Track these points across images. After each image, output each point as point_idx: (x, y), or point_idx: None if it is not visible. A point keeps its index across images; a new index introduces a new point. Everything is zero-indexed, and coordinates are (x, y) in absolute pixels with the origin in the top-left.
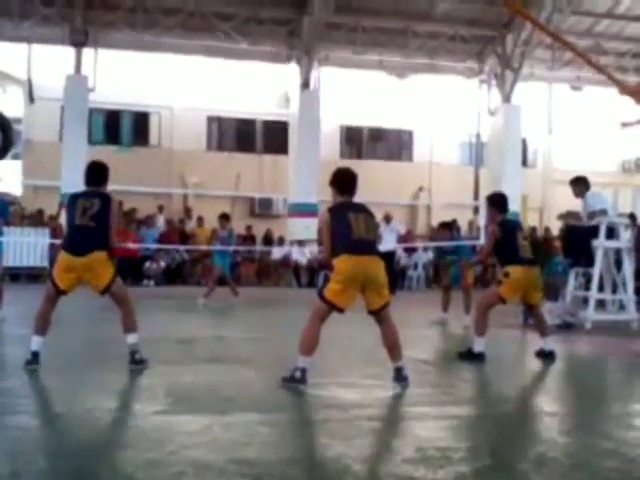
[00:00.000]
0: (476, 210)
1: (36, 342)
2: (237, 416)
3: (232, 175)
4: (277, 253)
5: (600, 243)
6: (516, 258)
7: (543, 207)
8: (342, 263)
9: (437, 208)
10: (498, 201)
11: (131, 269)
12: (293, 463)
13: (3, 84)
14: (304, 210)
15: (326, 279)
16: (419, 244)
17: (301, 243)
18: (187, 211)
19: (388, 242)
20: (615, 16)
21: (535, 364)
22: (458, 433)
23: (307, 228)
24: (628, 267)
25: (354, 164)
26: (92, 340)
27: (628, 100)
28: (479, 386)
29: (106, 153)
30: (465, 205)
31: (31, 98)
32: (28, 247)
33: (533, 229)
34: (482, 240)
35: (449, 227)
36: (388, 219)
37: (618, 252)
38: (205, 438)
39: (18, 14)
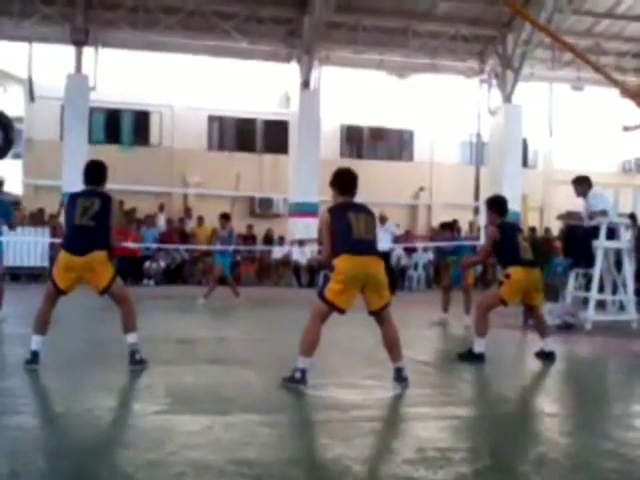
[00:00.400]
0: (476, 210)
1: (36, 341)
2: (237, 416)
3: (232, 175)
4: (277, 253)
5: (600, 244)
6: (517, 259)
7: (543, 207)
8: (342, 263)
9: (437, 208)
10: (497, 204)
11: (131, 269)
12: (293, 464)
13: (4, 83)
14: (304, 210)
15: (326, 279)
16: (419, 244)
17: (301, 243)
18: (187, 210)
19: (383, 243)
20: (615, 16)
21: (535, 365)
22: (458, 434)
23: (307, 228)
24: (628, 268)
25: (354, 164)
26: (92, 340)
27: (629, 103)
28: (479, 387)
29: (107, 152)
30: (465, 205)
31: (32, 97)
32: (28, 247)
33: (533, 229)
34: (482, 240)
35: (450, 227)
36: (383, 220)
37: (618, 253)
38: (205, 438)
39: (19, 13)
